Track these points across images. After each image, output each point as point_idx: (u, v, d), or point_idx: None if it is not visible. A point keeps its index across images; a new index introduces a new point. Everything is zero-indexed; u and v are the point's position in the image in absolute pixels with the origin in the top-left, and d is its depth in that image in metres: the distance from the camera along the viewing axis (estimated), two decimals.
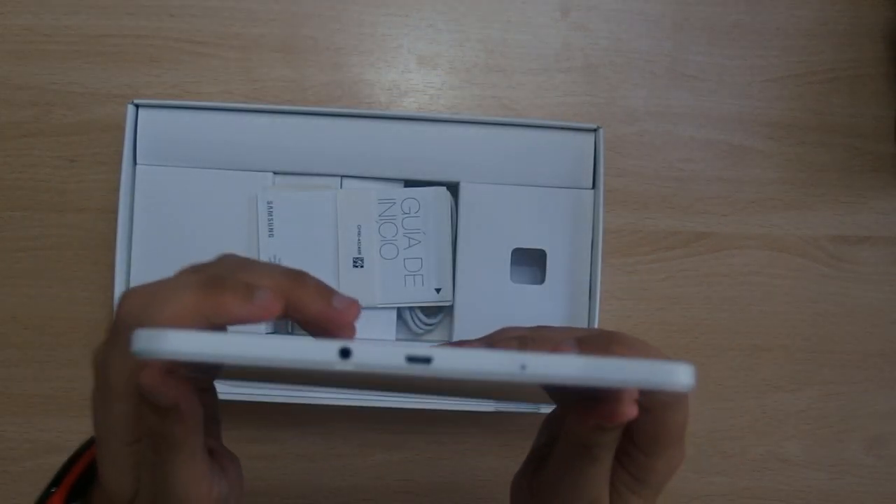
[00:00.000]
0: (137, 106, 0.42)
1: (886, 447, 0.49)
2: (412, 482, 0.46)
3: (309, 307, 0.23)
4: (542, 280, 0.43)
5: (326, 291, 0.24)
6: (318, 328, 0.23)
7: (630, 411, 0.22)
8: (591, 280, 0.43)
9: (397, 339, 0.43)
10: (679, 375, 0.18)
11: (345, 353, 0.17)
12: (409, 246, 0.43)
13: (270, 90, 0.47)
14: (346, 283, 0.42)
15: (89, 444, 0.27)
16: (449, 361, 0.17)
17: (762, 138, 0.49)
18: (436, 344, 0.26)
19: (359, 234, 0.42)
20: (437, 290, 0.43)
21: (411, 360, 0.17)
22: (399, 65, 0.48)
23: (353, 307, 0.24)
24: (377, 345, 0.17)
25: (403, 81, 0.48)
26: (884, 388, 0.49)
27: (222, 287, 0.22)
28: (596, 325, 0.42)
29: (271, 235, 0.42)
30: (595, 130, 0.43)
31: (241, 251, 0.42)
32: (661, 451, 0.25)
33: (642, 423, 0.24)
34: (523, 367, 0.17)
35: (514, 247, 0.43)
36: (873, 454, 0.49)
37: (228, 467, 0.26)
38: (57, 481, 0.26)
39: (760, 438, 0.48)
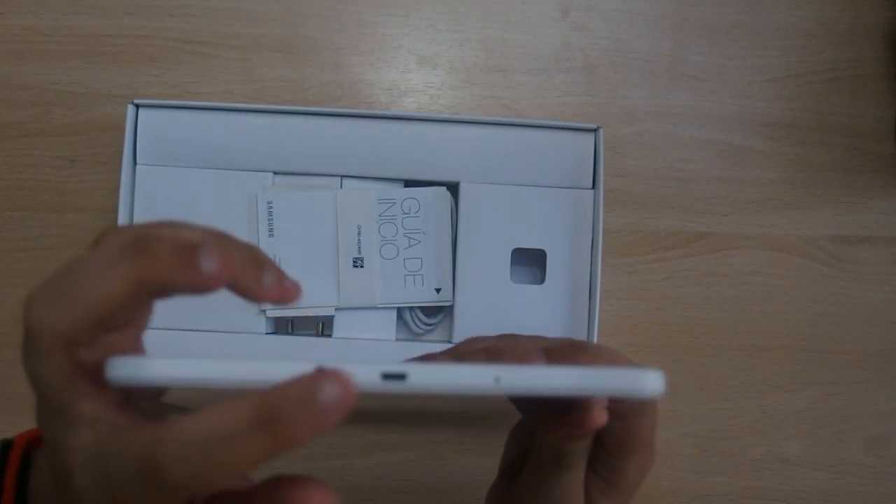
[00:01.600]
0: (137, 106, 0.42)
1: (886, 447, 0.49)
2: (412, 482, 0.46)
3: (243, 282, 0.21)
4: (542, 280, 0.43)
5: (259, 260, 0.22)
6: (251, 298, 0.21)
7: (600, 418, 0.22)
8: (591, 280, 0.43)
9: (397, 339, 0.43)
10: (649, 382, 0.18)
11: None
12: (409, 246, 0.43)
13: (270, 90, 0.47)
14: (346, 283, 0.42)
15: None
16: (424, 377, 0.17)
17: (762, 138, 0.49)
18: (410, 359, 0.25)
19: (359, 234, 0.42)
20: (437, 290, 0.43)
21: (387, 377, 0.17)
22: (399, 65, 0.48)
23: (283, 283, 0.22)
24: (352, 364, 0.18)
25: (403, 81, 0.48)
26: (884, 388, 0.49)
27: (156, 249, 0.19)
28: (596, 326, 0.42)
29: (271, 235, 0.42)
30: (595, 130, 0.43)
31: None
32: (631, 455, 0.26)
33: (612, 428, 0.25)
34: (497, 379, 0.17)
35: (514, 247, 0.43)
36: (873, 454, 0.49)
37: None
38: None
39: (760, 438, 0.48)
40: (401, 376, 0.17)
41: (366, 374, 0.17)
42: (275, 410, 0.17)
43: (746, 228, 0.48)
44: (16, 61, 0.46)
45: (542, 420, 0.24)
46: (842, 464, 0.49)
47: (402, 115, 0.43)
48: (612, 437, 0.25)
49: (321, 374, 0.17)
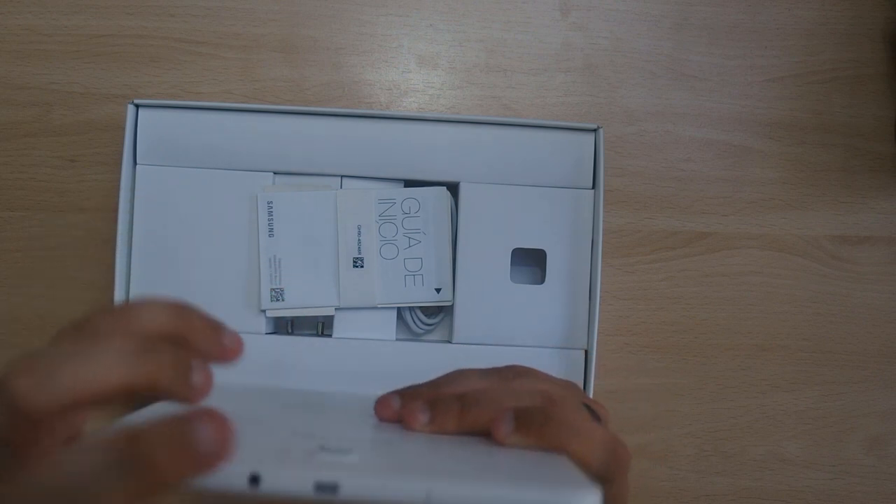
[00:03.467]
0: (137, 106, 0.42)
1: (886, 447, 0.49)
2: None
3: (202, 347, 0.23)
4: (542, 280, 0.43)
5: (215, 330, 0.23)
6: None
7: None
8: (591, 280, 0.43)
9: (397, 339, 0.43)
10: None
11: (254, 480, 0.17)
12: (409, 246, 0.43)
13: (270, 90, 0.47)
14: (346, 283, 0.42)
15: None
16: (356, 489, 0.17)
17: (762, 138, 0.49)
18: (381, 396, 0.25)
19: (359, 234, 0.42)
20: (437, 290, 0.43)
21: (320, 487, 0.17)
22: (399, 65, 0.48)
23: (239, 343, 0.24)
24: (288, 468, 0.18)
25: (403, 81, 0.48)
26: (884, 388, 0.49)
27: (159, 362, 0.21)
28: (596, 326, 0.42)
29: (271, 235, 0.42)
30: (595, 130, 0.43)
31: (242, 251, 0.42)
32: None
33: None
34: (428, 494, 0.17)
35: (514, 247, 0.43)
36: (873, 454, 0.49)
37: None
38: None
39: (760, 438, 0.48)
40: (333, 487, 0.17)
41: (300, 482, 0.17)
42: (142, 450, 0.17)
43: (746, 228, 0.48)
44: (16, 61, 0.46)
45: None
46: (842, 464, 0.49)
47: (402, 115, 0.43)
48: None
49: (196, 414, 0.17)
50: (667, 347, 0.48)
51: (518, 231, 0.43)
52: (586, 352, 0.43)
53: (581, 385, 0.42)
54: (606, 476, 0.24)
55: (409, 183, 0.43)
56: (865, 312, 0.49)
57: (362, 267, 0.42)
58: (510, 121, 0.43)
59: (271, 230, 0.42)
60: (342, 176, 0.43)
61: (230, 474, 0.17)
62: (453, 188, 0.43)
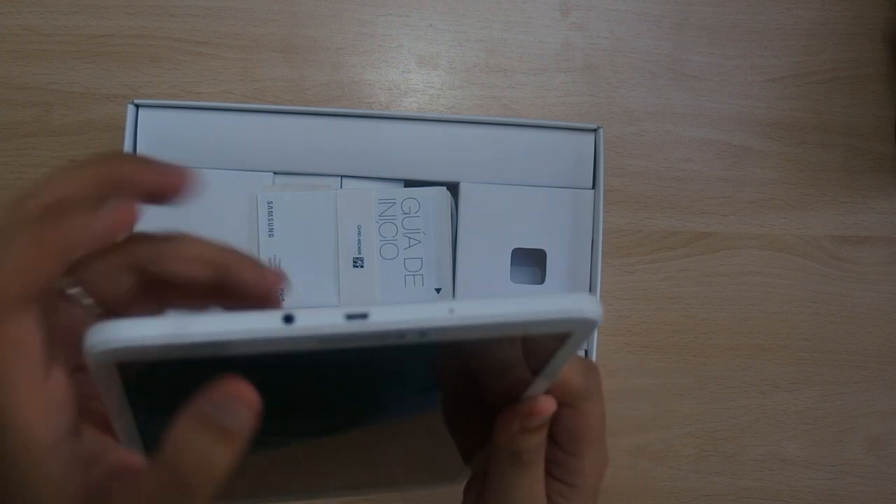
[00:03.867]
0: (137, 106, 0.42)
1: (886, 447, 0.49)
2: None
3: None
4: (542, 280, 0.43)
5: (148, 165, 0.22)
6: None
7: (548, 405, 0.23)
8: (591, 280, 0.43)
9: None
10: (585, 303, 0.19)
11: (288, 319, 0.18)
12: (409, 246, 0.43)
13: (270, 90, 0.47)
14: (346, 283, 0.42)
15: None
16: (384, 315, 0.18)
17: (762, 138, 0.49)
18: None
19: (359, 234, 0.42)
20: (437, 290, 0.43)
21: (350, 317, 0.18)
22: (399, 65, 0.48)
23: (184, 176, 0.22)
24: (313, 309, 0.18)
25: (403, 81, 0.48)
26: (884, 388, 0.49)
27: (63, 215, 0.19)
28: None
29: (271, 235, 0.42)
30: (595, 130, 0.43)
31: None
32: (584, 449, 0.26)
33: (562, 420, 0.25)
34: (451, 311, 0.18)
35: (514, 247, 0.43)
36: (873, 454, 0.49)
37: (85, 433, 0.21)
38: None
39: (760, 438, 0.48)
40: (363, 315, 0.18)
41: (329, 317, 0.18)
42: (185, 465, 0.17)
43: (746, 228, 0.48)
44: (16, 61, 0.46)
45: (498, 421, 0.25)
46: (842, 464, 0.49)
47: (402, 115, 0.43)
48: (564, 430, 0.25)
49: (210, 396, 0.17)
50: (667, 347, 0.48)
51: (518, 231, 0.43)
52: (586, 352, 0.43)
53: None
54: (587, 393, 0.25)
55: (409, 183, 0.43)
56: (865, 312, 0.49)
57: (362, 267, 0.42)
58: (510, 121, 0.43)
59: (271, 230, 0.42)
60: (342, 176, 0.43)
61: (264, 318, 0.18)
62: (453, 188, 0.43)
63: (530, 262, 0.44)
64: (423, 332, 0.18)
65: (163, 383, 0.20)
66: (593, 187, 0.43)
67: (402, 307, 0.18)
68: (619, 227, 0.48)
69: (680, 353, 0.48)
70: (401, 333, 0.18)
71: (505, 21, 0.48)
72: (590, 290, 0.43)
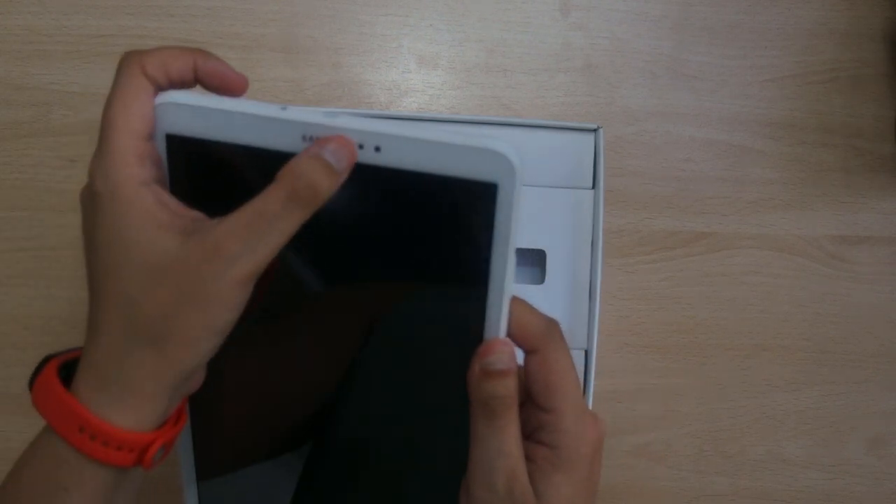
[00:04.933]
0: None
1: (886, 447, 0.49)
2: None
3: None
4: (542, 280, 0.43)
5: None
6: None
7: (501, 343, 0.25)
8: (591, 280, 0.43)
9: None
10: (501, 143, 0.23)
11: (283, 108, 0.25)
12: None
13: (270, 90, 0.47)
14: None
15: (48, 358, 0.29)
16: (350, 121, 0.24)
17: (762, 138, 0.49)
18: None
19: None
20: None
21: (326, 114, 0.25)
22: (399, 65, 0.48)
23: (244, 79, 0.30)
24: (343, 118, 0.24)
25: (403, 81, 0.48)
26: (884, 388, 0.49)
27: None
28: (596, 326, 0.42)
29: None
30: (595, 130, 0.43)
31: None
32: (559, 403, 0.26)
33: (531, 369, 0.26)
34: (398, 125, 0.24)
35: (515, 247, 0.42)
36: (873, 454, 0.49)
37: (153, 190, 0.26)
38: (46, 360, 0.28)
39: (760, 438, 0.48)
40: (334, 114, 0.24)
41: (311, 113, 0.24)
42: (300, 182, 0.23)
43: (746, 228, 0.48)
44: (16, 61, 0.46)
45: (468, 375, 0.26)
46: (842, 464, 0.49)
47: (402, 115, 0.43)
48: (536, 382, 0.26)
49: (322, 141, 0.24)
50: (667, 347, 0.48)
51: (518, 231, 0.42)
52: (586, 352, 0.43)
53: (581, 385, 0.42)
54: (550, 338, 0.26)
55: None
56: (865, 312, 0.49)
57: None
58: (510, 121, 0.43)
59: None
60: None
61: (269, 106, 0.25)
62: None
63: (530, 262, 0.44)
64: (377, 143, 0.23)
65: (200, 164, 0.26)
66: (593, 187, 0.43)
67: (364, 120, 0.24)
68: (619, 227, 0.48)
69: (680, 353, 0.48)
70: (360, 136, 0.23)
71: (505, 21, 0.48)
72: (590, 291, 0.43)
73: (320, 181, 0.24)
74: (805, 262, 0.49)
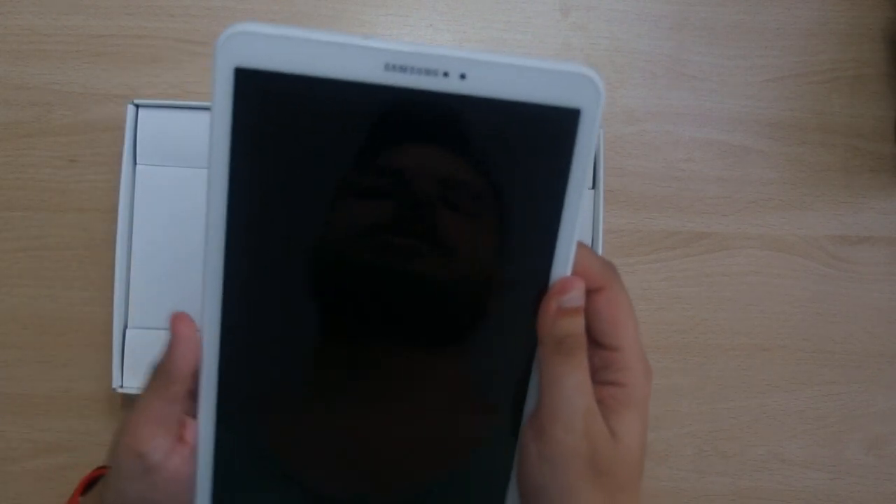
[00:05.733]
0: (137, 106, 0.42)
1: (886, 447, 0.49)
2: None
3: None
4: None
5: None
6: None
7: (575, 281, 0.26)
8: None
9: None
10: (586, 68, 0.23)
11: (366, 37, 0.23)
12: None
13: None
14: None
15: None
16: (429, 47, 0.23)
17: (762, 138, 0.49)
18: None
19: None
20: None
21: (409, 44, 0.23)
22: None
23: None
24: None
25: None
26: (884, 388, 0.49)
27: None
28: None
29: None
30: None
31: None
32: (623, 339, 0.27)
33: (595, 307, 0.27)
34: (489, 52, 0.24)
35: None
36: (873, 454, 0.49)
37: (176, 454, 0.27)
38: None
39: (760, 438, 0.48)
40: (417, 45, 0.23)
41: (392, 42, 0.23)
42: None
43: (746, 228, 0.48)
44: (16, 61, 0.46)
45: (538, 315, 0.26)
46: (842, 464, 0.49)
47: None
48: (600, 319, 0.27)
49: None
50: (667, 347, 0.48)
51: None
52: None
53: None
54: (611, 277, 0.27)
55: None
56: (865, 312, 0.49)
57: None
58: None
59: None
60: None
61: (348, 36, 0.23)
62: None
63: None
64: (463, 69, 0.23)
65: (271, 108, 0.24)
66: (593, 187, 0.43)
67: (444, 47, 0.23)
68: (619, 227, 0.48)
69: (680, 353, 0.48)
70: (445, 62, 0.23)
71: (505, 21, 0.48)
72: None
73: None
74: (805, 262, 0.49)
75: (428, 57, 0.23)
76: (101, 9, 0.46)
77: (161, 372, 0.27)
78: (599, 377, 0.27)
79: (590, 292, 0.27)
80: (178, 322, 0.26)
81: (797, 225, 0.49)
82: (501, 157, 0.25)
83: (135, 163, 0.42)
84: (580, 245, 0.26)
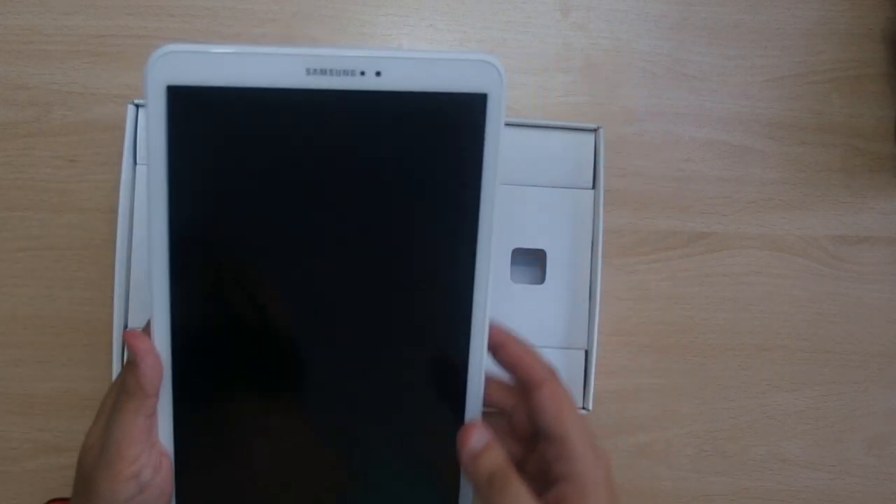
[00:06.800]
0: (137, 106, 0.42)
1: (886, 447, 0.49)
2: None
3: None
4: (542, 280, 0.43)
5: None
6: None
7: (474, 426, 0.29)
8: (591, 280, 0.43)
9: None
10: (486, 54, 0.25)
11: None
12: None
13: None
14: None
15: None
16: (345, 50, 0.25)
17: (762, 138, 0.49)
18: None
19: None
20: None
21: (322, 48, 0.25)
22: None
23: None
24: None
25: None
26: (884, 388, 0.49)
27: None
28: (596, 326, 0.42)
29: None
30: (595, 130, 0.43)
31: None
32: (569, 428, 0.28)
33: (539, 402, 0.28)
34: (399, 47, 0.26)
35: (514, 247, 0.43)
36: (873, 454, 0.49)
37: (162, 467, 0.28)
38: None
39: (760, 438, 0.48)
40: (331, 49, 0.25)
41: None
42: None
43: (746, 228, 0.48)
44: (16, 61, 0.46)
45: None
46: (842, 464, 0.49)
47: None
48: (545, 411, 0.28)
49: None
50: (667, 347, 0.48)
51: (518, 231, 0.43)
52: (586, 352, 0.43)
53: (581, 385, 0.42)
54: (550, 374, 0.29)
55: None
56: (865, 312, 0.49)
57: None
58: (510, 121, 0.43)
59: None
60: None
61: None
62: None
63: (530, 262, 0.44)
64: (378, 67, 0.25)
65: (198, 121, 0.26)
66: (593, 187, 0.43)
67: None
68: (619, 227, 0.48)
69: (680, 353, 0.48)
70: (361, 62, 0.25)
71: (505, 21, 0.48)
72: (590, 291, 0.43)
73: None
74: (805, 262, 0.49)
75: (344, 59, 0.25)
76: (101, 9, 0.46)
77: (133, 389, 0.27)
78: (554, 471, 0.28)
79: (532, 388, 0.28)
80: (133, 339, 0.28)
81: (797, 225, 0.49)
82: (420, 145, 0.27)
83: (135, 163, 0.42)
84: (522, 345, 0.29)
